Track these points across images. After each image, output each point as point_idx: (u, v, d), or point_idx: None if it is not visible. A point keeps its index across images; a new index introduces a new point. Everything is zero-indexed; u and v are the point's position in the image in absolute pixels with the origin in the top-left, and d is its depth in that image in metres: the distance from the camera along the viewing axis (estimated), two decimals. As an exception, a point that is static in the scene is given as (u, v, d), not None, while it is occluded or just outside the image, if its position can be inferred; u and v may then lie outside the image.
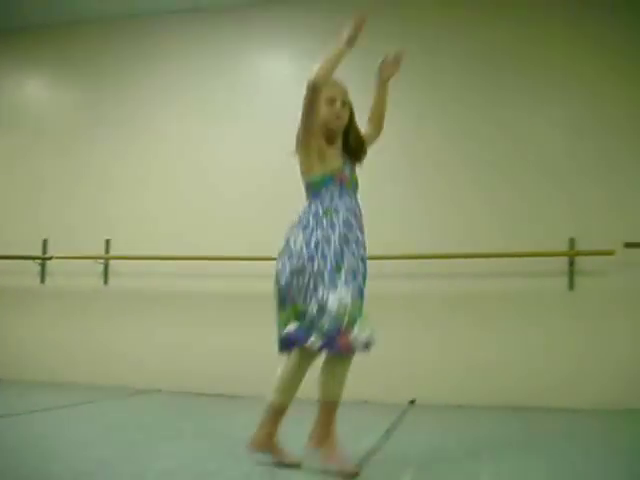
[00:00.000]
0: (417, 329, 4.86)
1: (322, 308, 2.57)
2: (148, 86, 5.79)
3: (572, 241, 4.81)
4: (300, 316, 2.64)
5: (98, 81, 5.92)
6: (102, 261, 5.60)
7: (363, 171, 3.00)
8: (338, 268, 2.65)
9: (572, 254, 4.81)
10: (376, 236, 3.19)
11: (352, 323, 2.56)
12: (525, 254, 4.73)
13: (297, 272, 2.66)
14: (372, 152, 3.04)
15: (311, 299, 2.62)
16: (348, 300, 2.59)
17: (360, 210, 2.86)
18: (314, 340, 2.56)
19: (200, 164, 5.56)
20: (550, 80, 5.03)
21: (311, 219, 2.76)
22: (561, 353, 4.71)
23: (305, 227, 2.75)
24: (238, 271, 5.22)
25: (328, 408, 2.75)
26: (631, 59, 4.91)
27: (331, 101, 2.81)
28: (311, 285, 2.63)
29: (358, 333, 2.56)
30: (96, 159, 5.80)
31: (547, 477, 2.63)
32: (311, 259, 2.65)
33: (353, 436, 3.43)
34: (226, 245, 5.20)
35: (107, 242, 5.61)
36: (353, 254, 2.72)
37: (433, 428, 3.85)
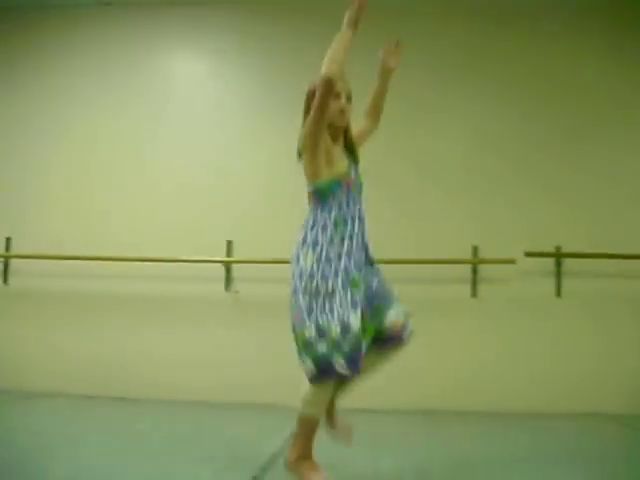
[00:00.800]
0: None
1: (345, 328, 2.43)
2: (53, 81, 5.60)
3: (475, 249, 4.95)
4: (322, 337, 2.45)
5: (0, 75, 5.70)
6: (1, 260, 5.40)
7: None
8: (354, 284, 2.53)
9: (475, 262, 4.95)
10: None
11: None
12: (430, 261, 4.83)
13: (311, 293, 2.49)
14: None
15: (331, 319, 2.45)
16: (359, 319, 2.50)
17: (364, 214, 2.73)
18: (340, 363, 2.42)
19: (106, 161, 5.43)
20: (449, 92, 5.16)
21: (320, 235, 2.58)
22: (463, 357, 4.84)
23: (314, 244, 2.56)
24: (146, 273, 5.14)
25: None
26: (531, 71, 5.11)
27: (336, 96, 2.62)
28: (326, 305, 2.46)
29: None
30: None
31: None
32: (325, 278, 2.50)
33: (258, 439, 3.44)
34: (132, 246, 5.11)
35: (7, 240, 5.41)
36: (361, 266, 2.63)
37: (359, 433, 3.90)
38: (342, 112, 2.66)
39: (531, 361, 4.82)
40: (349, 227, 2.61)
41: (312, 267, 2.52)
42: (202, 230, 5.15)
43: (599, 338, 4.83)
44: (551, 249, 4.91)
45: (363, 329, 2.51)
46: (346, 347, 2.42)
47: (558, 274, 4.93)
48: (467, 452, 3.29)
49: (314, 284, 2.49)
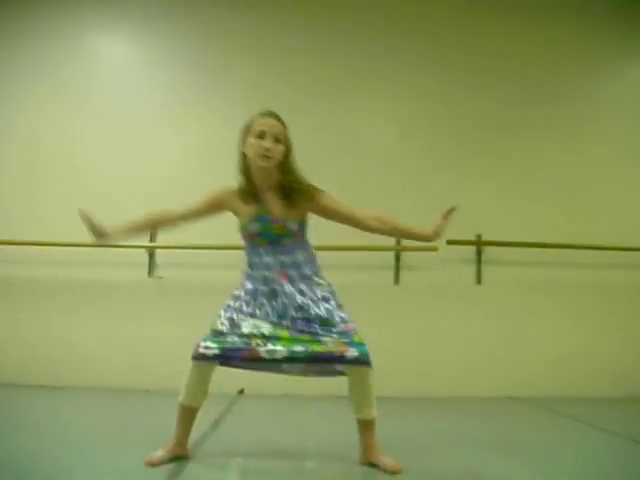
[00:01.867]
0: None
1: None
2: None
3: (398, 237, 5.02)
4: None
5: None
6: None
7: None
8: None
9: (398, 249, 5.02)
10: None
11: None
12: (354, 248, 4.87)
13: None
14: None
15: None
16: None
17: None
18: None
19: (36, 147, 5.27)
20: (386, 77, 5.22)
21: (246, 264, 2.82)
22: (384, 344, 4.88)
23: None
24: (71, 258, 5.03)
25: None
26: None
27: (258, 135, 2.66)
28: None
29: None
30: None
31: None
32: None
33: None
34: (54, 230, 4.97)
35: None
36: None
37: (260, 417, 3.90)
38: (262, 154, 2.64)
39: (451, 346, 4.93)
40: (255, 273, 2.73)
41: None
42: (125, 216, 5.04)
43: (517, 324, 4.99)
44: (472, 237, 5.02)
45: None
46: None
47: (478, 262, 5.05)
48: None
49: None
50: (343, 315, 2.65)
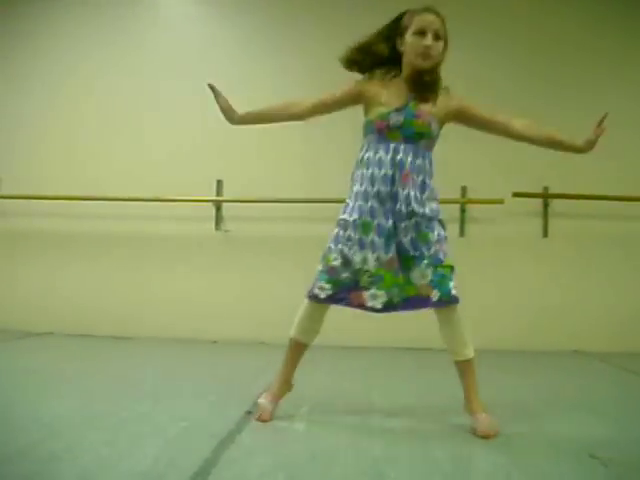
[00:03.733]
0: (311, 271, 4.93)
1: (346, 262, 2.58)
2: (51, 26, 5.52)
3: (464, 189, 4.98)
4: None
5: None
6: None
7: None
8: (364, 227, 2.55)
9: (464, 202, 4.98)
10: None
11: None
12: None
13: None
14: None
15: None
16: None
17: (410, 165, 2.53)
18: None
19: (95, 102, 5.37)
20: (453, 31, 5.12)
21: (355, 169, 2.66)
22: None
23: (352, 176, 2.66)
24: (128, 212, 5.16)
25: None
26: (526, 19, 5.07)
27: (419, 31, 2.50)
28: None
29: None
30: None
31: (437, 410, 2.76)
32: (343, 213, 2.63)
33: (249, 376, 3.51)
34: (118, 186, 5.11)
35: (-5, 180, 5.40)
36: (382, 215, 2.54)
37: (328, 368, 3.97)
38: (423, 53, 2.49)
39: (516, 299, 4.90)
40: (371, 171, 2.54)
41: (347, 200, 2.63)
42: (192, 170, 5.13)
43: (585, 278, 4.93)
44: (539, 190, 4.95)
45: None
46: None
47: (545, 215, 4.98)
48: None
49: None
50: (442, 233, 2.57)
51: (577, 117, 4.99)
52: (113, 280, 5.18)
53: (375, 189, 2.52)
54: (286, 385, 2.71)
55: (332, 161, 4.68)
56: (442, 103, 2.58)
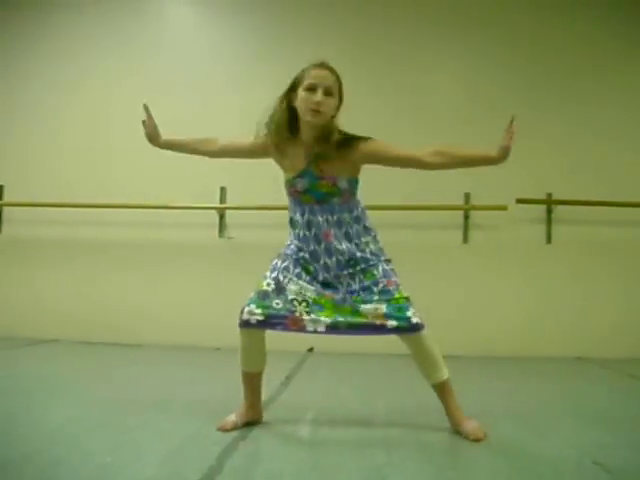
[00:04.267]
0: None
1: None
2: (59, 35, 5.54)
3: (467, 196, 4.99)
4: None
5: (6, 27, 5.60)
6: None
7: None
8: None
9: (467, 208, 4.99)
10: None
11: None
12: (423, 207, 4.87)
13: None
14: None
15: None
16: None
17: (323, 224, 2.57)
18: None
19: (100, 112, 5.40)
20: (453, 36, 5.14)
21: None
22: (452, 302, 4.91)
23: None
24: (135, 219, 5.17)
25: None
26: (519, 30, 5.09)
27: (308, 87, 2.46)
28: None
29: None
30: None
31: (438, 416, 2.76)
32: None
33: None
34: (123, 194, 5.13)
35: (0, 188, 5.41)
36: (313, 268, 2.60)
37: (330, 375, 3.97)
38: (312, 110, 2.45)
39: (520, 306, 4.91)
40: (298, 232, 2.62)
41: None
42: (196, 177, 5.15)
43: (588, 284, 4.92)
44: (542, 196, 4.95)
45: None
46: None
47: (549, 221, 4.98)
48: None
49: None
50: (387, 269, 2.56)
51: (576, 127, 5.04)
52: (116, 287, 5.19)
53: (309, 248, 2.59)
54: (252, 410, 2.67)
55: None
56: (344, 156, 2.52)
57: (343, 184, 2.54)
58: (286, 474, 2.03)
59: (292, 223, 2.66)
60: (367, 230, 2.62)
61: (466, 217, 5.01)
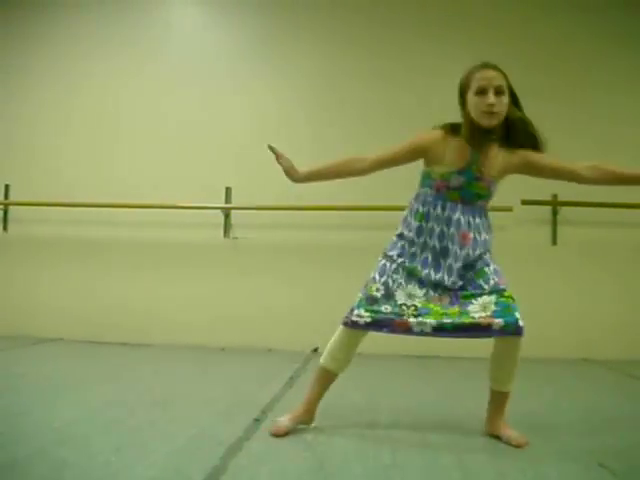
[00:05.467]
0: (319, 279, 4.95)
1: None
2: (63, 35, 5.54)
3: (473, 197, 4.98)
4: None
5: (9, 27, 5.61)
6: (1, 207, 5.41)
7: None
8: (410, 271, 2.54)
9: (472, 209, 4.97)
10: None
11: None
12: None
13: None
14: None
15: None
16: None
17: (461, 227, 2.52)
18: None
19: (105, 110, 5.40)
20: (451, 38, 5.14)
21: (407, 214, 2.64)
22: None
23: (402, 221, 2.65)
24: (142, 219, 5.17)
25: None
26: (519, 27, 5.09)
27: (480, 91, 2.42)
28: None
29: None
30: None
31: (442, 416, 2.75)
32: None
33: (257, 383, 3.51)
34: (130, 193, 5.13)
35: (6, 187, 5.43)
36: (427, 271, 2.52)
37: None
38: (487, 112, 2.40)
39: (526, 308, 4.86)
40: (431, 225, 2.53)
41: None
42: (201, 177, 5.16)
43: (593, 286, 4.90)
44: (547, 197, 4.94)
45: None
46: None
47: (554, 222, 4.97)
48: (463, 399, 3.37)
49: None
50: (497, 268, 2.57)
51: (581, 128, 5.03)
52: (121, 287, 5.19)
53: (432, 244, 2.51)
54: (307, 414, 2.63)
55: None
56: (504, 160, 2.53)
57: (494, 189, 2.55)
58: (290, 474, 2.03)
59: (424, 216, 2.55)
60: (489, 232, 2.60)
61: (471, 218, 4.99)
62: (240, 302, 5.05)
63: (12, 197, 5.42)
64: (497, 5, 5.16)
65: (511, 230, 4.93)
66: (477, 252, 2.51)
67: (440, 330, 2.46)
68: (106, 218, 5.22)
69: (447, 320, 2.45)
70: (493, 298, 2.48)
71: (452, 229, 2.49)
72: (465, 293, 2.50)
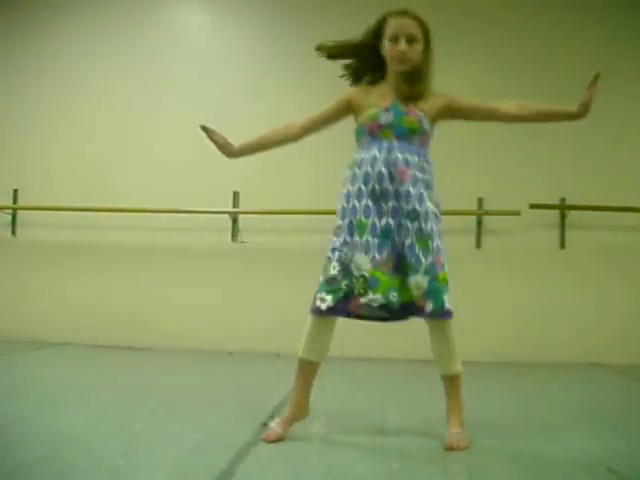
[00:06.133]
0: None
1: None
2: (64, 36, 5.57)
3: (480, 201, 4.97)
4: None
5: (13, 27, 5.62)
6: (9, 212, 5.43)
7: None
8: (359, 226, 2.52)
9: (480, 213, 4.97)
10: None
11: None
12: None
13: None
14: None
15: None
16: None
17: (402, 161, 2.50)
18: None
19: (112, 113, 5.41)
20: (469, 45, 5.13)
21: (347, 173, 2.62)
22: (467, 308, 4.89)
23: (344, 182, 2.62)
24: (149, 224, 5.18)
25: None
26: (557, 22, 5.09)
27: (392, 38, 2.50)
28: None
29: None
30: (3, 108, 5.56)
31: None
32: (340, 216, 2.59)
33: (265, 387, 3.51)
34: (138, 197, 5.14)
35: (15, 192, 5.44)
36: (377, 213, 2.50)
37: (342, 380, 3.96)
38: (398, 57, 2.50)
39: (533, 312, 4.88)
40: (364, 169, 2.51)
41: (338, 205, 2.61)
42: (209, 181, 5.16)
43: (602, 290, 4.89)
44: (555, 201, 4.93)
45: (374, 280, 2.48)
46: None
47: (562, 226, 4.95)
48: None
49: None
50: (440, 244, 2.54)
51: (590, 132, 5.00)
52: (129, 291, 5.21)
53: (369, 187, 2.50)
54: (299, 409, 2.61)
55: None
56: (429, 102, 2.58)
57: (426, 124, 2.55)
58: (299, 479, 2.02)
59: (360, 162, 2.56)
60: (432, 187, 2.57)
61: (479, 222, 4.99)
62: (248, 306, 5.05)
63: (20, 201, 5.43)
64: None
65: (519, 234, 4.93)
66: (420, 191, 2.49)
67: (387, 310, 2.47)
68: (113, 222, 5.23)
69: (393, 294, 2.46)
70: (427, 278, 2.48)
71: (390, 168, 2.48)
72: (404, 262, 2.50)
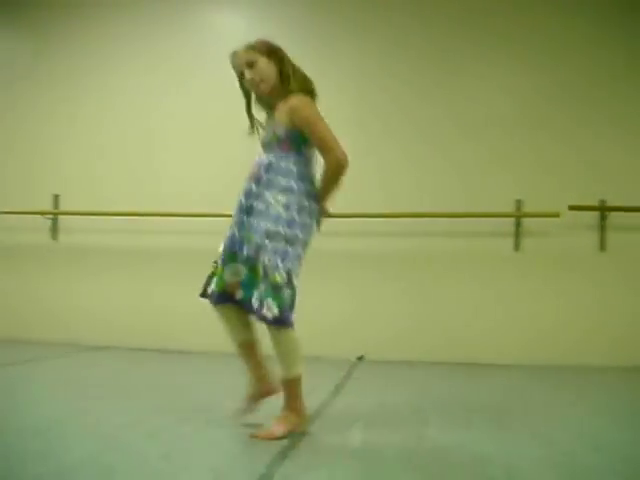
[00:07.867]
0: (367, 286, 4.93)
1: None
2: (99, 39, 5.65)
3: (519, 203, 4.92)
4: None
5: (48, 31, 5.74)
6: (50, 217, 5.52)
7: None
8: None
9: (519, 215, 4.92)
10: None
11: None
12: (474, 215, 4.82)
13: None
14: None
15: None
16: None
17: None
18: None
19: (153, 121, 5.47)
20: (502, 48, 5.09)
21: None
22: (504, 311, 4.86)
23: None
24: (190, 228, 5.22)
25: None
26: (589, 23, 5.02)
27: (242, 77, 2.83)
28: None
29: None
30: (44, 113, 5.66)
31: (491, 436, 2.72)
32: None
33: (304, 391, 3.51)
34: (178, 202, 5.19)
35: (55, 197, 5.53)
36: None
37: (381, 384, 3.95)
38: (252, 87, 2.80)
39: (574, 315, 4.81)
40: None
41: None
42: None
43: (644, 292, 4.81)
44: (595, 202, 4.86)
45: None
46: None
47: (602, 228, 4.88)
48: (508, 402, 3.34)
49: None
50: (275, 244, 2.56)
51: (628, 132, 4.94)
52: (167, 294, 5.24)
53: (244, 188, 2.71)
54: (260, 383, 2.88)
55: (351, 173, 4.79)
56: (282, 108, 2.65)
57: (280, 131, 2.61)
58: (337, 483, 2.02)
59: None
60: (289, 191, 2.59)
61: (517, 224, 4.94)
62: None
63: (61, 207, 5.51)
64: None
65: (558, 236, 4.87)
66: (260, 189, 2.61)
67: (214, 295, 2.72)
68: (153, 227, 5.29)
69: (217, 282, 2.69)
70: (245, 269, 2.59)
71: (252, 170, 2.70)
72: (229, 254, 2.67)
